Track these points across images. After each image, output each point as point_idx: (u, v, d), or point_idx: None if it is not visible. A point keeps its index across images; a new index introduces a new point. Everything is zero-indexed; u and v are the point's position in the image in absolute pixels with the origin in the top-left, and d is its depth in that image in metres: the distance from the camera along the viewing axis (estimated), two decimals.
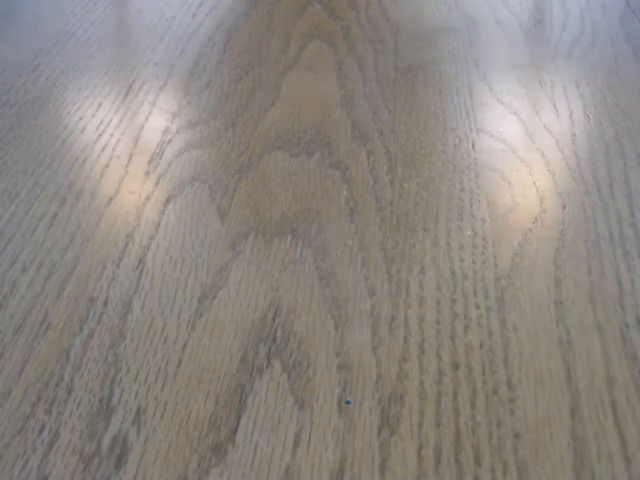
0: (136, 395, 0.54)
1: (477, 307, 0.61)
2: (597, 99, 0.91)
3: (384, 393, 0.54)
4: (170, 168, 0.77)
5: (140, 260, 0.65)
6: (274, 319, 0.60)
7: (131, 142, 0.81)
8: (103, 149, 0.80)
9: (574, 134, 0.84)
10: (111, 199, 0.73)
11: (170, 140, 0.82)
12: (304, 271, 0.65)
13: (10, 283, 0.63)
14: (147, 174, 0.76)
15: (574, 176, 0.77)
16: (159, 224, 0.70)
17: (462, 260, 0.66)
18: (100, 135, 0.82)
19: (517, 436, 0.51)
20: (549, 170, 0.78)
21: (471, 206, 0.73)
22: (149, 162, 0.78)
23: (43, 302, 0.62)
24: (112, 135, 0.82)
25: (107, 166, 0.77)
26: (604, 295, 0.62)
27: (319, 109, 0.88)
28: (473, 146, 0.82)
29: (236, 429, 0.52)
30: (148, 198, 0.73)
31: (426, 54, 1.00)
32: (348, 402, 0.53)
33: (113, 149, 0.80)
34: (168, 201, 0.73)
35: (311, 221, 0.70)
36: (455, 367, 0.56)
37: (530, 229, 0.70)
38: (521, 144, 0.82)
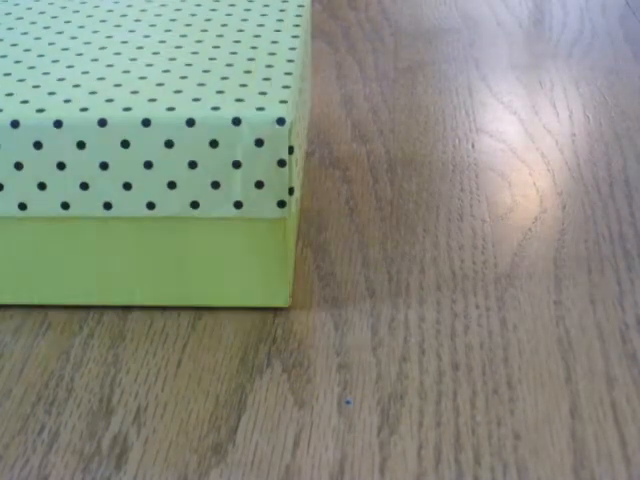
0: (136, 395, 0.54)
1: (477, 307, 0.61)
2: (597, 99, 0.91)
3: (384, 393, 0.54)
4: None
5: None
6: (274, 319, 0.60)
7: None
8: None
9: (574, 134, 0.84)
10: None
11: None
12: (304, 271, 0.65)
13: None
14: None
15: (574, 176, 0.77)
16: None
17: (462, 260, 0.66)
18: None
19: (517, 436, 0.51)
20: (549, 170, 0.78)
21: (471, 206, 0.73)
22: None
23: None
24: None
25: None
26: (604, 295, 0.62)
27: (319, 109, 0.88)
28: (473, 146, 0.82)
29: (236, 429, 0.52)
30: None
31: (426, 54, 1.00)
32: (348, 402, 0.53)
33: None
34: None
35: (311, 221, 0.70)
36: (455, 367, 0.56)
37: (530, 229, 0.70)
38: (521, 144, 0.82)
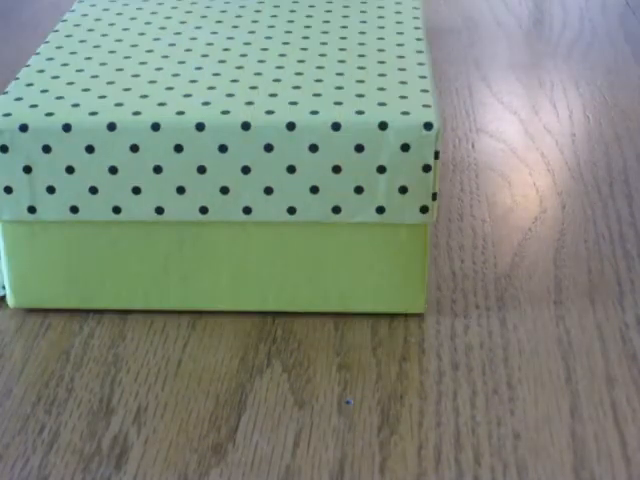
0: (136, 395, 0.54)
1: (477, 307, 0.61)
2: (597, 99, 0.91)
3: (384, 393, 0.54)
4: None
5: None
6: (274, 319, 0.60)
7: None
8: None
9: (574, 134, 0.84)
10: None
11: None
12: None
13: None
14: None
15: (574, 176, 0.77)
16: None
17: (462, 260, 0.66)
18: None
19: (517, 436, 0.51)
20: (549, 170, 0.78)
21: (471, 206, 0.73)
22: None
23: None
24: None
25: None
26: (604, 295, 0.62)
27: None
28: (473, 146, 0.82)
29: (236, 429, 0.52)
30: None
31: None
32: (348, 402, 0.53)
33: None
34: None
35: None
36: (455, 367, 0.56)
37: (530, 229, 0.70)
38: (521, 144, 0.82)
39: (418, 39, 0.65)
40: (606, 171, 0.78)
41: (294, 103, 0.56)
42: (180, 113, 0.55)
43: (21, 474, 0.49)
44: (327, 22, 0.68)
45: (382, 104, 0.56)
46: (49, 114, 0.56)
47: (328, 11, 0.70)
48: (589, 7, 1.15)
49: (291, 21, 0.68)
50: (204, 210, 0.57)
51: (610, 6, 1.15)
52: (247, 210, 0.57)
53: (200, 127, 0.55)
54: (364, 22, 0.68)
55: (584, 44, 1.04)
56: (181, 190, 0.56)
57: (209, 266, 0.59)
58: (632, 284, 0.63)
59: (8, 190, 0.56)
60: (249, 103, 0.56)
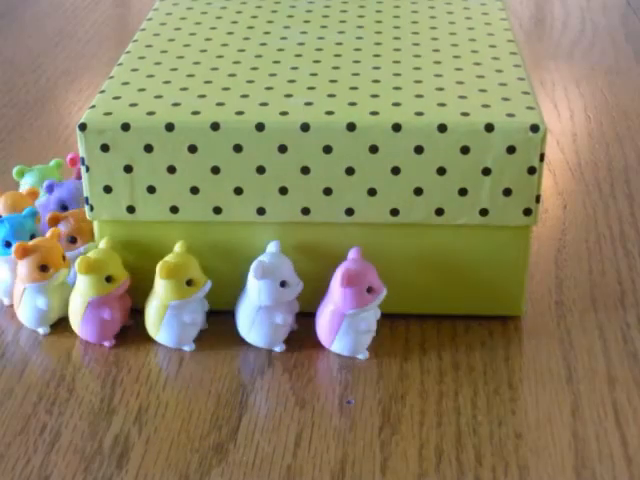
0: (137, 395, 0.54)
1: None
2: (598, 99, 0.91)
3: (385, 393, 0.54)
4: None
5: None
6: None
7: None
8: None
9: (575, 134, 0.84)
10: None
11: None
12: None
13: None
14: None
15: (575, 176, 0.77)
16: None
17: None
18: None
19: (518, 436, 0.51)
20: (549, 170, 0.78)
21: None
22: None
23: None
24: None
25: None
26: (605, 295, 0.62)
27: None
28: None
29: (237, 429, 0.52)
30: None
31: None
32: (349, 402, 0.53)
33: None
34: None
35: None
36: (456, 367, 0.56)
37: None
38: None
39: (509, 40, 0.64)
40: (607, 171, 0.78)
41: (397, 104, 0.55)
42: (283, 114, 0.54)
43: (22, 474, 0.49)
44: (415, 22, 0.67)
45: (486, 106, 0.55)
46: (150, 113, 0.55)
47: (414, 12, 0.69)
48: (590, 7, 1.15)
49: (379, 21, 0.67)
50: (306, 211, 0.56)
51: (611, 6, 1.15)
52: (349, 211, 0.56)
53: (305, 128, 0.54)
54: (453, 23, 0.67)
55: (585, 44, 1.04)
56: (283, 191, 0.55)
57: (307, 267, 0.57)
58: (633, 283, 0.63)
59: (107, 189, 0.56)
60: (352, 104, 0.55)
